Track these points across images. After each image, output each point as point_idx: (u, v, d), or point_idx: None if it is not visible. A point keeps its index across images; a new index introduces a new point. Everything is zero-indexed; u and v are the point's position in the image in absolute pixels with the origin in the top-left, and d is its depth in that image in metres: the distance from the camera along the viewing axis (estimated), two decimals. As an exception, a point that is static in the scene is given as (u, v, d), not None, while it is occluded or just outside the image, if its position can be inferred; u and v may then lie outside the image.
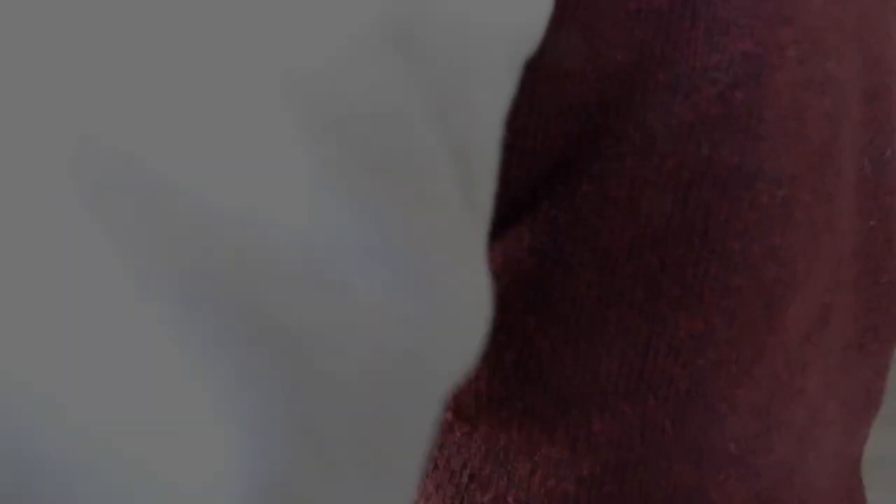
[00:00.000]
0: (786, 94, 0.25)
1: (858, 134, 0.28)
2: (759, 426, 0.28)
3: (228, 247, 0.16)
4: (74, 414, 0.15)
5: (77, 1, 0.15)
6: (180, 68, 0.16)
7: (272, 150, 0.16)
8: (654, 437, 0.27)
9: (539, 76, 0.24)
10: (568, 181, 0.25)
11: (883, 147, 0.29)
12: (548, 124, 0.25)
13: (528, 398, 0.27)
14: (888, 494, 2.32)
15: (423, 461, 0.21)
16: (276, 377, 0.16)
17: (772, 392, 0.28)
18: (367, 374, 0.18)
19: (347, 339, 0.17)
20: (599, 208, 0.25)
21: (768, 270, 0.26)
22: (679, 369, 0.26)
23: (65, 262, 0.15)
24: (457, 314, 0.19)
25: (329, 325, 0.17)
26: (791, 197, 0.26)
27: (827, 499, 0.30)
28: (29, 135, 0.15)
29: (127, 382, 0.15)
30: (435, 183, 0.19)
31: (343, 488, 0.18)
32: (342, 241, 0.17)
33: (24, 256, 0.15)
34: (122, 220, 0.15)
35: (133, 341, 0.15)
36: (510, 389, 0.27)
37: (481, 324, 0.21)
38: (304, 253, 0.16)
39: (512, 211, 0.26)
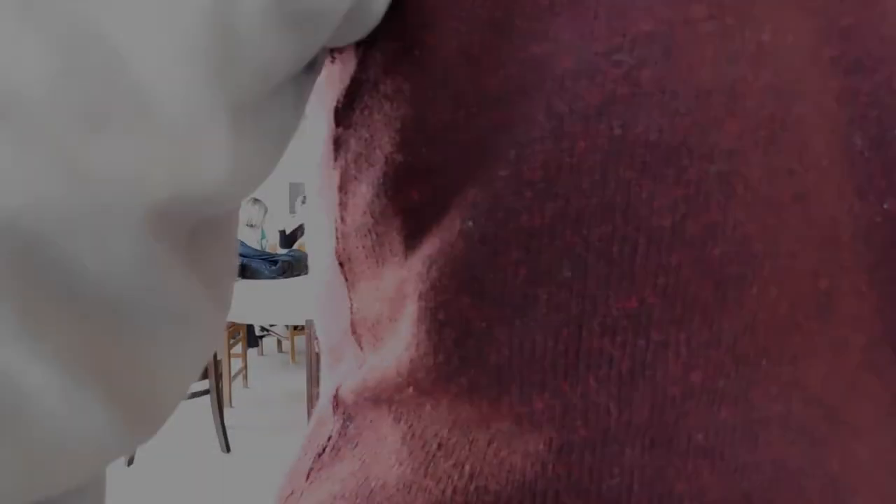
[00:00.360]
0: (707, 68, 0.24)
1: (834, 107, 0.27)
2: (736, 417, 0.26)
3: None
4: None
5: None
6: None
7: None
8: (599, 419, 0.26)
9: (460, 71, 0.25)
10: (487, 167, 0.26)
11: (887, 123, 0.27)
12: (471, 117, 0.26)
13: (471, 375, 0.28)
14: None
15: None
16: None
17: (748, 381, 0.26)
18: None
19: None
20: (517, 191, 0.26)
21: (713, 248, 0.25)
22: (618, 350, 0.26)
23: None
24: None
25: None
26: (730, 172, 0.25)
27: None
28: None
29: None
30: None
31: None
32: None
33: None
34: None
35: None
36: (453, 366, 0.28)
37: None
38: None
39: (446, 198, 0.27)
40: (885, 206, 0.28)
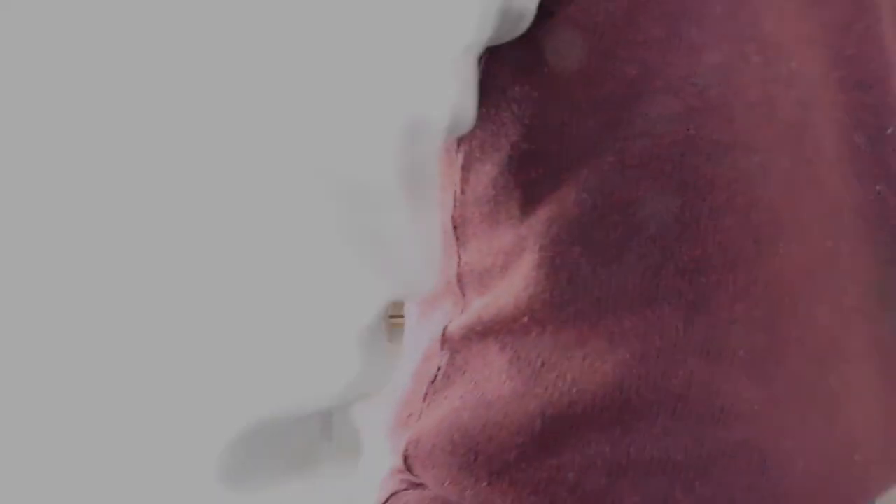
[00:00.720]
0: (755, 88, 0.34)
1: (841, 115, 0.36)
2: (768, 339, 0.36)
3: None
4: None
5: None
6: None
7: None
8: (670, 335, 0.36)
9: (577, 82, 0.35)
10: (599, 155, 0.35)
11: (882, 126, 0.37)
12: (585, 117, 0.35)
13: (578, 304, 0.38)
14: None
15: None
16: None
17: (775, 312, 0.36)
18: None
19: None
20: (621, 172, 0.35)
21: (754, 215, 0.35)
22: (686, 285, 0.36)
23: None
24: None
25: None
26: (767, 161, 0.35)
27: (867, 454, 0.37)
28: None
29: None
30: None
31: None
32: None
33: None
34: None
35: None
36: (565, 298, 0.38)
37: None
38: None
39: (560, 176, 0.37)
40: (878, 189, 0.37)
